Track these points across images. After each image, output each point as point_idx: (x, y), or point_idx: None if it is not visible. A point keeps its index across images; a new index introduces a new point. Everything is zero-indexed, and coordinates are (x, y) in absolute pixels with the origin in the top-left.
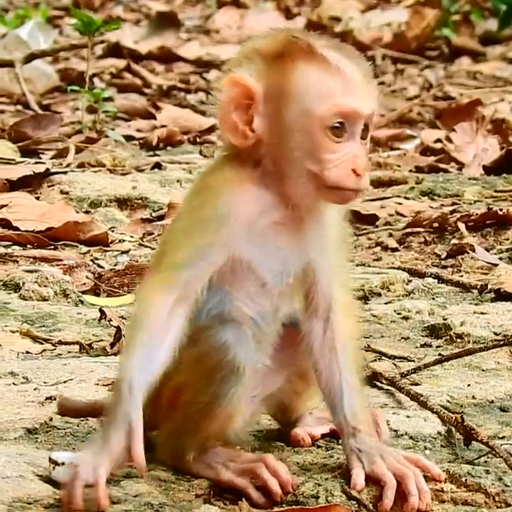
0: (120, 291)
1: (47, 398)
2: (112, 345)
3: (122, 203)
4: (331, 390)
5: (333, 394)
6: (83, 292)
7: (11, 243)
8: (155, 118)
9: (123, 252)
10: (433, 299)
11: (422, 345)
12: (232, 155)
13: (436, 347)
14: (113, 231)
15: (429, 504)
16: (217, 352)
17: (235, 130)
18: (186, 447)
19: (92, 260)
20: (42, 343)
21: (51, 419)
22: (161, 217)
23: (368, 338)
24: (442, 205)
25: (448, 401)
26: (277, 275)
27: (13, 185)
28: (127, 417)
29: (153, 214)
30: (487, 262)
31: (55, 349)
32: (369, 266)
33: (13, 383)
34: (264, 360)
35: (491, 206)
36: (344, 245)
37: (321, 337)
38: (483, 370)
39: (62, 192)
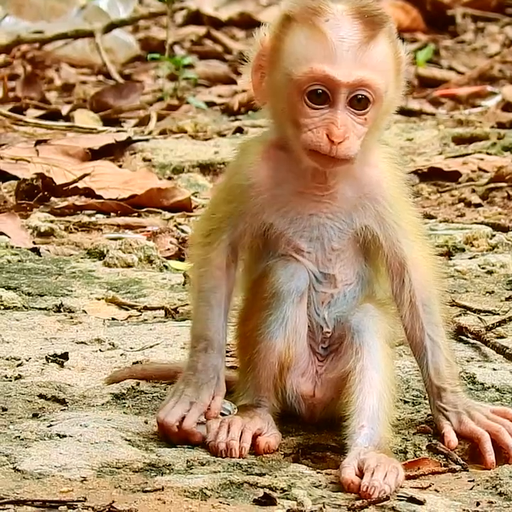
0: None
1: (134, 363)
2: None
3: (205, 168)
4: (415, 348)
5: (417, 353)
6: (167, 258)
7: (94, 212)
8: (236, 83)
9: None
10: None
11: (506, 299)
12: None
13: None
14: (196, 196)
15: None
16: (265, 278)
17: (255, 88)
18: (242, 393)
19: (175, 226)
20: (127, 310)
21: (138, 384)
22: None
23: (452, 293)
24: None
25: None
26: (314, 241)
27: (95, 154)
28: (216, 371)
29: None
30: None
31: (140, 315)
32: (452, 222)
33: (100, 350)
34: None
35: None
36: (404, 201)
37: (400, 297)
38: None
39: (144, 159)
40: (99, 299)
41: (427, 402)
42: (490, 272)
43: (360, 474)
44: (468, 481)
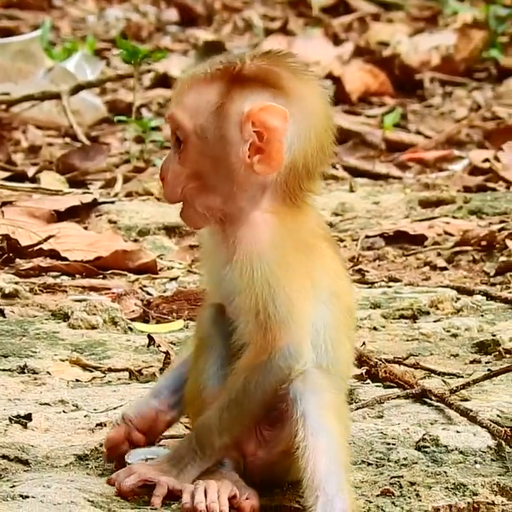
0: (169, 318)
1: (97, 425)
2: (162, 370)
3: (170, 230)
4: None
5: None
6: (132, 319)
7: (59, 273)
8: None
9: (171, 279)
10: (482, 316)
11: (471, 362)
12: None
13: (486, 363)
14: (161, 258)
15: None
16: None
17: None
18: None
19: (140, 288)
20: (91, 371)
21: (101, 445)
22: None
23: (417, 356)
24: (490, 223)
25: (498, 415)
26: (221, 297)
27: (60, 216)
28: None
29: None
30: None
31: (104, 376)
32: (417, 285)
33: (64, 411)
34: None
35: None
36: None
37: None
38: None
39: (110, 221)
40: (63, 361)
41: (390, 464)
42: (455, 335)
43: None
44: None
